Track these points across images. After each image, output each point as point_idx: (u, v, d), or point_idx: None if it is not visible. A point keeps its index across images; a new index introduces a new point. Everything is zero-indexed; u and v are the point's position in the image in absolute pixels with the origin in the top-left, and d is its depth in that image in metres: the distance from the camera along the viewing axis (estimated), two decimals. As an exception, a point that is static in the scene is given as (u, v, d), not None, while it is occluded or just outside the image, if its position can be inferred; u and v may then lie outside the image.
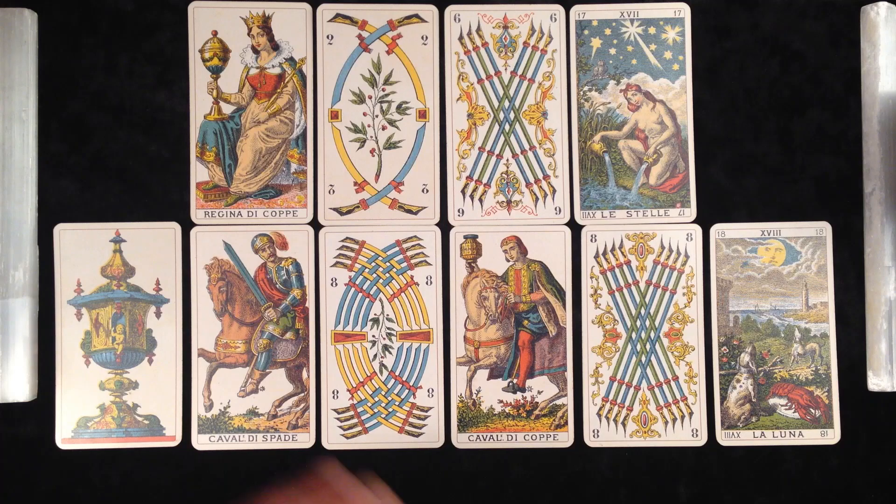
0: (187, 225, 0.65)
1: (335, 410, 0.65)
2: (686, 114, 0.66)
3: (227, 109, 0.66)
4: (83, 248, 0.64)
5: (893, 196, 0.64)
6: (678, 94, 0.67)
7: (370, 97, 0.66)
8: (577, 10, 0.67)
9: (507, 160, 0.66)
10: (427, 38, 0.66)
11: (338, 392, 0.65)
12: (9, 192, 0.63)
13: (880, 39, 0.65)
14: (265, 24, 0.66)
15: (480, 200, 0.66)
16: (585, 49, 0.67)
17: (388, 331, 0.65)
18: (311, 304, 0.65)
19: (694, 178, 0.66)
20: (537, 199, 0.66)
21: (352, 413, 0.65)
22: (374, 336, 0.65)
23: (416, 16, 0.66)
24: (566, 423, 0.65)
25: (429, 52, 0.66)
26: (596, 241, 0.66)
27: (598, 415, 0.65)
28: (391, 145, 0.66)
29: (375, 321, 0.65)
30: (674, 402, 0.65)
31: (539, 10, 0.67)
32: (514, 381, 0.65)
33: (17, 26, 0.64)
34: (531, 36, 0.67)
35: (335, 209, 0.66)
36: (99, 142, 0.65)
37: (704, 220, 0.66)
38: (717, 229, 0.66)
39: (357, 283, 0.65)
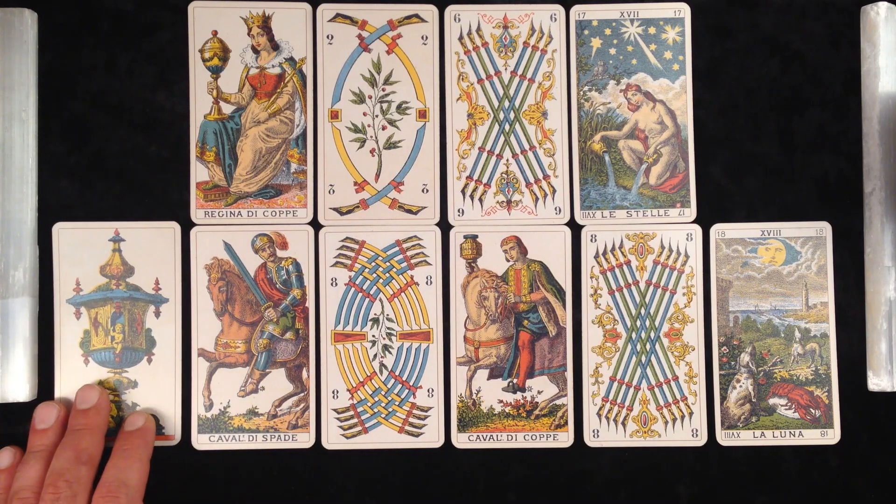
0: (187, 225, 0.65)
1: (335, 410, 0.65)
2: (686, 114, 0.66)
3: (227, 109, 0.66)
4: (82, 247, 0.64)
5: (893, 196, 0.64)
6: (678, 94, 0.67)
7: (370, 97, 0.66)
8: (577, 10, 0.67)
9: (507, 160, 0.66)
10: (427, 38, 0.66)
11: (338, 392, 0.65)
12: (9, 192, 0.63)
13: (880, 39, 0.65)
14: (265, 24, 0.66)
15: (480, 200, 0.66)
16: (585, 49, 0.67)
17: (388, 331, 0.65)
18: (311, 304, 0.65)
19: (694, 178, 0.66)
20: (537, 199, 0.66)
21: (352, 413, 0.65)
22: (374, 336, 0.65)
23: (416, 16, 0.66)
24: (566, 423, 0.65)
25: (429, 52, 0.66)
26: (596, 241, 0.66)
27: (598, 415, 0.65)
28: (391, 145, 0.66)
29: (375, 321, 0.65)
30: (674, 402, 0.65)
31: (539, 10, 0.67)
32: (514, 381, 0.65)
33: (17, 26, 0.64)
34: (531, 36, 0.67)
35: (335, 209, 0.66)
36: (99, 142, 0.65)
37: (704, 220, 0.66)
38: (717, 229, 0.66)
39: (357, 283, 0.65)
